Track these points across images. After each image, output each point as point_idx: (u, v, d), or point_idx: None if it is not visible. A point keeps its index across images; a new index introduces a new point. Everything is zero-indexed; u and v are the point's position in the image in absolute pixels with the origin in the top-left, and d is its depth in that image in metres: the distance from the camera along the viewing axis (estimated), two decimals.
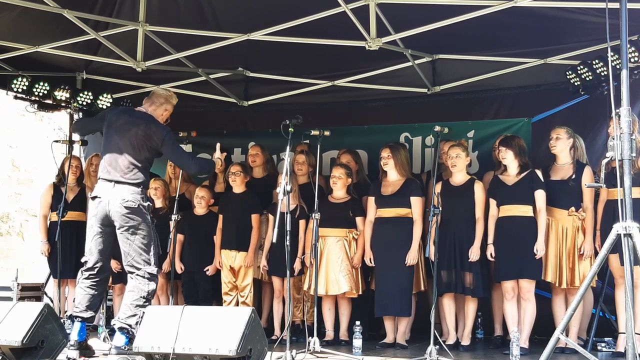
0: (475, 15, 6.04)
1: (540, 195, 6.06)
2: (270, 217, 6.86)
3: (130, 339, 5.24)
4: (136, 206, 5.40)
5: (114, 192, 5.41)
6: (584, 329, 6.26)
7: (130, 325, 5.29)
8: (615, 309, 5.97)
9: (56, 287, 7.25)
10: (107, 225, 5.47)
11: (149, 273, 5.41)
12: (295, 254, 6.62)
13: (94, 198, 5.52)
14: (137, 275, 5.40)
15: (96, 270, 5.50)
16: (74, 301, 5.93)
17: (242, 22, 6.79)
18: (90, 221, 5.54)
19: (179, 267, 7.03)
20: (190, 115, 8.67)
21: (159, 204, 7.27)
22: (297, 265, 6.65)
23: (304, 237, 6.69)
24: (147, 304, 5.37)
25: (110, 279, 6.41)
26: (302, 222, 6.64)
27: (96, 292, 5.53)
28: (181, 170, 6.83)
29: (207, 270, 7.03)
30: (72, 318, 5.49)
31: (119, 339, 5.30)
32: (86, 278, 5.51)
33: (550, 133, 6.28)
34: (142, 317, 5.29)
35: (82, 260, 5.57)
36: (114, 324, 5.44)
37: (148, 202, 5.53)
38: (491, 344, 6.66)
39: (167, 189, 7.34)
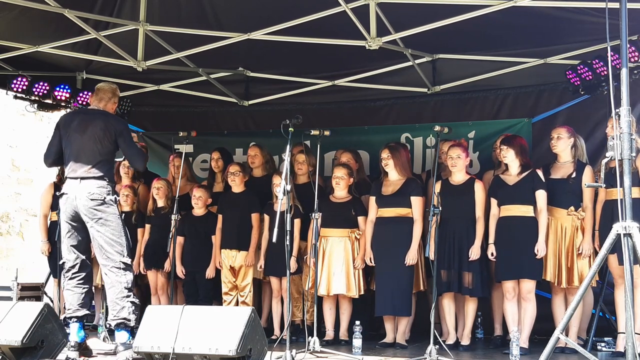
0: (475, 15, 6.04)
1: (541, 196, 6.05)
2: (266, 217, 6.86)
3: (131, 330, 5.27)
4: (102, 199, 5.46)
5: (80, 188, 5.48)
6: (584, 328, 6.26)
7: (124, 319, 5.31)
8: (614, 309, 5.98)
9: (56, 286, 7.25)
10: (77, 221, 5.52)
11: (123, 263, 5.45)
12: (291, 253, 6.61)
13: (61, 195, 5.58)
14: (113, 267, 5.43)
15: (77, 267, 5.54)
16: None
17: (243, 21, 6.79)
18: (60, 219, 5.62)
19: (180, 271, 7.03)
20: (190, 115, 8.70)
21: (161, 203, 7.28)
22: (292, 264, 6.65)
23: (299, 236, 6.69)
24: (130, 293, 5.42)
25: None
26: (297, 221, 6.61)
27: (85, 290, 5.57)
28: (180, 171, 6.88)
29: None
30: (67, 321, 5.51)
31: (121, 336, 5.33)
32: (70, 279, 5.54)
33: (551, 132, 6.29)
34: (133, 306, 5.34)
35: (60, 262, 5.62)
36: (109, 325, 5.46)
37: (115, 196, 5.57)
38: (491, 343, 6.65)
39: (170, 189, 7.33)
